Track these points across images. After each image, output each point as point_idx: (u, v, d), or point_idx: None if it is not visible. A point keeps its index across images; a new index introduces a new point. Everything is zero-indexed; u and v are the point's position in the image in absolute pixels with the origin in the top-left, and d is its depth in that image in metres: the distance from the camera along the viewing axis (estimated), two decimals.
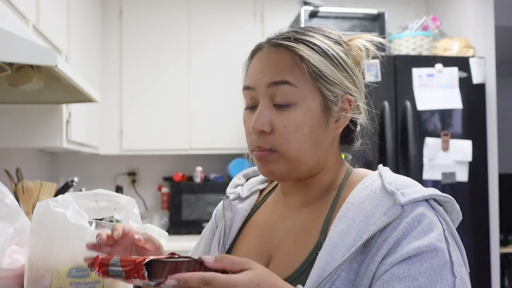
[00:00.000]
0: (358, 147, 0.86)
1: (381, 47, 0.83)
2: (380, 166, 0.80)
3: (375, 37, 0.82)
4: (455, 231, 0.72)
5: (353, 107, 0.78)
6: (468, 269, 0.71)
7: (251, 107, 0.79)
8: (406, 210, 0.69)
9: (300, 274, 0.73)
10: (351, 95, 0.78)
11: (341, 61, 0.77)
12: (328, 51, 0.76)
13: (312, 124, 0.75)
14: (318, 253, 0.71)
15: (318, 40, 0.77)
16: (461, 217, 0.75)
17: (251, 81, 0.78)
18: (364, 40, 0.82)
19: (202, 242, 0.96)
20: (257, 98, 0.77)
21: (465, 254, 0.71)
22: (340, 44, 0.80)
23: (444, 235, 0.69)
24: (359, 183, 0.77)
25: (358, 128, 0.83)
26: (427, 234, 0.67)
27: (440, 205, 0.73)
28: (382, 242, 0.68)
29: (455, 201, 0.74)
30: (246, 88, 0.79)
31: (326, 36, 0.80)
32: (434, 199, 0.72)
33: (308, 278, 0.69)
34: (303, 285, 0.69)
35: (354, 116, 0.79)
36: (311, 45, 0.76)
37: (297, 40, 0.77)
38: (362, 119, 0.81)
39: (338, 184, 0.81)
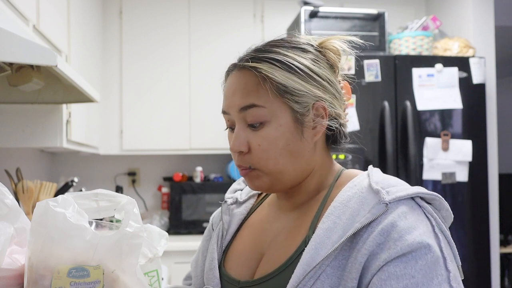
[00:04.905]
0: (346, 146, 0.88)
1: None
2: (370, 166, 0.83)
3: (348, 37, 0.83)
4: (444, 227, 0.73)
5: (328, 112, 0.80)
6: (460, 262, 0.72)
7: (231, 128, 0.83)
8: (390, 208, 0.70)
9: (286, 268, 0.76)
10: (323, 101, 0.79)
11: (307, 71, 0.78)
12: (293, 64, 0.77)
13: (287, 138, 0.78)
14: (304, 248, 0.74)
15: (282, 54, 0.78)
16: (452, 215, 0.76)
17: (225, 106, 0.83)
18: (338, 41, 0.83)
19: (201, 243, 1.01)
20: (233, 120, 0.81)
21: (456, 249, 0.72)
22: (309, 52, 0.81)
23: (434, 231, 0.70)
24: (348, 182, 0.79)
25: (341, 129, 0.84)
26: (415, 229, 0.68)
27: (428, 203, 0.74)
28: (367, 236, 0.69)
29: (443, 198, 0.75)
30: (223, 112, 0.84)
31: (293, 46, 0.81)
32: (421, 198, 0.74)
33: (293, 273, 0.72)
34: (288, 279, 0.72)
35: (330, 122, 0.80)
36: (274, 62, 0.78)
37: (260, 59, 0.78)
38: (338, 123, 0.82)
39: (328, 184, 0.83)
